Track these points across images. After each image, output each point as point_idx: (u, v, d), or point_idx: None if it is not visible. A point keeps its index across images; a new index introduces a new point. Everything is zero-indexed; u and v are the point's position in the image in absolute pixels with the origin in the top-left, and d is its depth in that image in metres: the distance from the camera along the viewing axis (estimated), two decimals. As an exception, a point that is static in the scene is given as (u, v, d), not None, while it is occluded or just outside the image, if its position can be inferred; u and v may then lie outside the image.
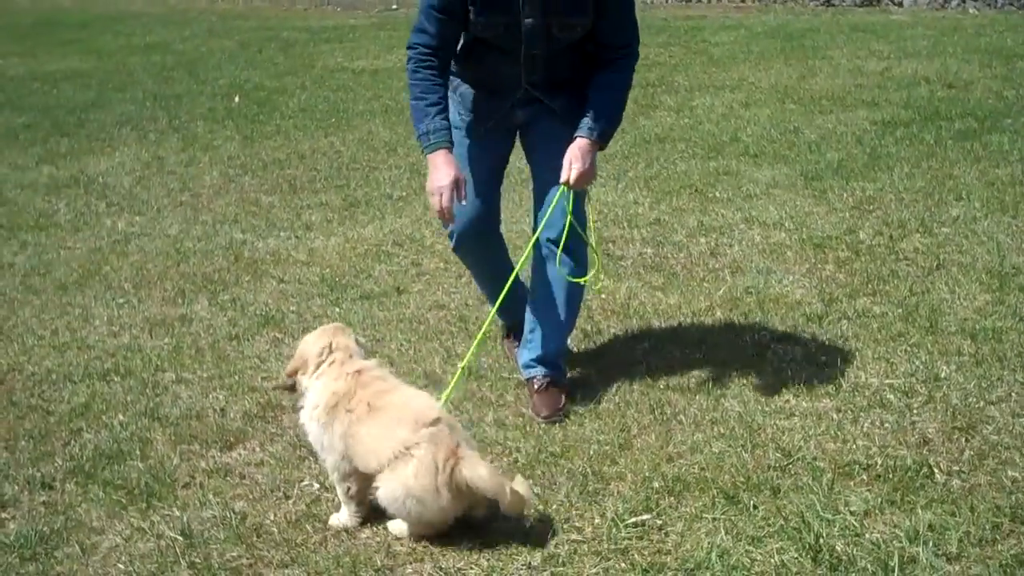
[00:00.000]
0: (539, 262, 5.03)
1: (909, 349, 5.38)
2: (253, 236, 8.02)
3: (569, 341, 5.41)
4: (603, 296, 6.35)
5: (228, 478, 4.61)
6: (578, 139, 4.79)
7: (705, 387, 5.12)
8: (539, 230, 4.91)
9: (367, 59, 16.27)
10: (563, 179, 4.77)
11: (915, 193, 7.86)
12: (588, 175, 4.83)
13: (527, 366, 5.12)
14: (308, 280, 7.02)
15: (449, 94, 4.92)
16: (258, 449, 4.86)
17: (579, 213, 4.95)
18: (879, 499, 4.08)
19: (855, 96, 11.44)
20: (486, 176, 5.09)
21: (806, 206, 7.81)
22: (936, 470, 4.26)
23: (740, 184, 8.47)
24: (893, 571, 3.62)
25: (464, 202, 4.81)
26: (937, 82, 11.77)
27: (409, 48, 4.78)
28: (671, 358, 5.51)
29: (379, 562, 3.92)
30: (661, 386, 5.17)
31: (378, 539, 4.08)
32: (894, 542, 3.78)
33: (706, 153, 9.52)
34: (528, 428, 4.88)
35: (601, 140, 4.85)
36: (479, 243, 5.22)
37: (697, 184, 8.54)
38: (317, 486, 4.48)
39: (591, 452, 4.60)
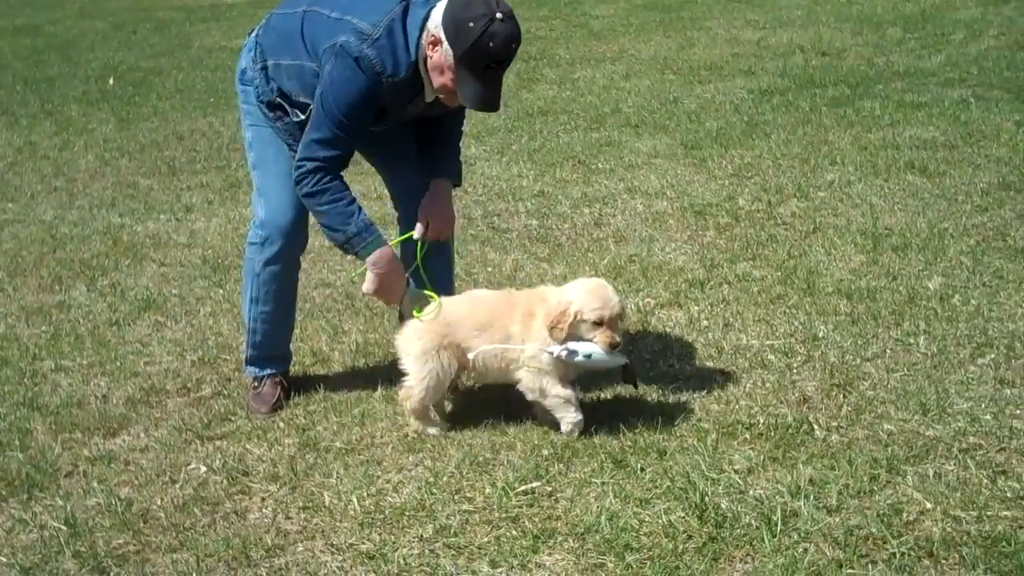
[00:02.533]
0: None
1: (788, 311, 5.50)
2: (132, 220, 7.86)
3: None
4: (489, 269, 6.37)
5: (112, 465, 4.52)
6: (443, 184, 4.78)
7: (591, 355, 5.16)
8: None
9: (245, 38, 15.94)
10: (443, 235, 4.80)
11: (792, 159, 8.03)
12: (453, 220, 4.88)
13: None
14: (190, 262, 6.91)
15: (278, 124, 4.72)
16: (142, 435, 4.78)
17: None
18: (762, 457, 4.17)
19: (732, 66, 11.63)
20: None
21: (687, 175, 7.93)
22: (816, 426, 4.37)
23: (622, 154, 8.56)
24: (776, 525, 3.71)
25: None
26: (811, 50, 12.03)
27: (312, 161, 4.37)
28: (558, 328, 5.53)
29: (269, 542, 3.89)
30: (548, 355, 5.20)
31: (267, 520, 4.05)
32: (776, 497, 3.87)
33: (588, 125, 9.60)
34: (417, 402, 4.87)
35: (458, 178, 4.92)
36: (296, 257, 4.97)
37: (580, 155, 8.61)
38: (204, 469, 4.43)
39: (480, 423, 4.62)
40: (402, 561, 3.72)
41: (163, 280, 6.64)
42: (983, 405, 4.44)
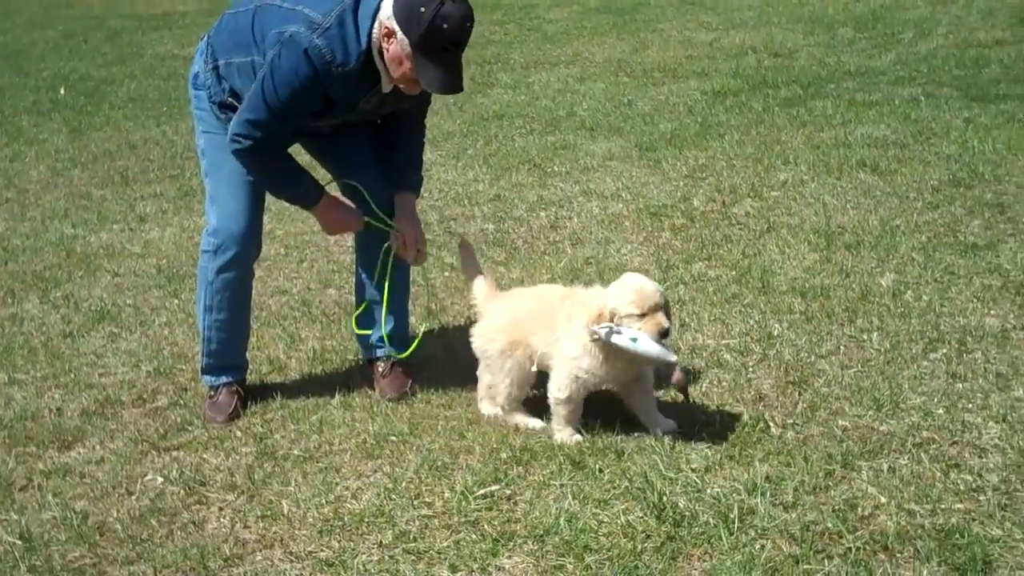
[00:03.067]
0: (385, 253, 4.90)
1: (743, 310, 5.54)
2: (85, 230, 7.79)
3: (413, 319, 5.40)
4: (447, 273, 6.37)
5: (67, 478, 4.47)
6: (407, 197, 4.84)
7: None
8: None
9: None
10: (417, 259, 4.88)
11: (745, 159, 8.09)
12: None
13: (373, 347, 5.09)
14: (144, 272, 6.86)
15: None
16: (98, 447, 4.74)
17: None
18: (719, 455, 4.19)
19: (686, 67, 11.71)
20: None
21: (642, 176, 7.96)
22: (771, 424, 4.41)
23: (577, 157, 8.58)
24: (733, 523, 3.73)
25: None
26: (764, 51, 12.13)
27: (245, 139, 4.40)
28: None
29: (227, 551, 3.87)
30: (506, 359, 5.20)
31: (225, 529, 4.02)
32: (733, 495, 3.89)
33: (543, 128, 9.62)
34: (375, 408, 4.86)
35: (419, 189, 4.99)
36: (250, 264, 4.96)
37: (536, 159, 8.62)
38: (161, 480, 4.40)
39: (439, 428, 4.62)
40: (362, 568, 3.71)
41: (117, 291, 6.58)
42: (936, 400, 4.49)
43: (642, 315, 4.19)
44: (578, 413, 4.46)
